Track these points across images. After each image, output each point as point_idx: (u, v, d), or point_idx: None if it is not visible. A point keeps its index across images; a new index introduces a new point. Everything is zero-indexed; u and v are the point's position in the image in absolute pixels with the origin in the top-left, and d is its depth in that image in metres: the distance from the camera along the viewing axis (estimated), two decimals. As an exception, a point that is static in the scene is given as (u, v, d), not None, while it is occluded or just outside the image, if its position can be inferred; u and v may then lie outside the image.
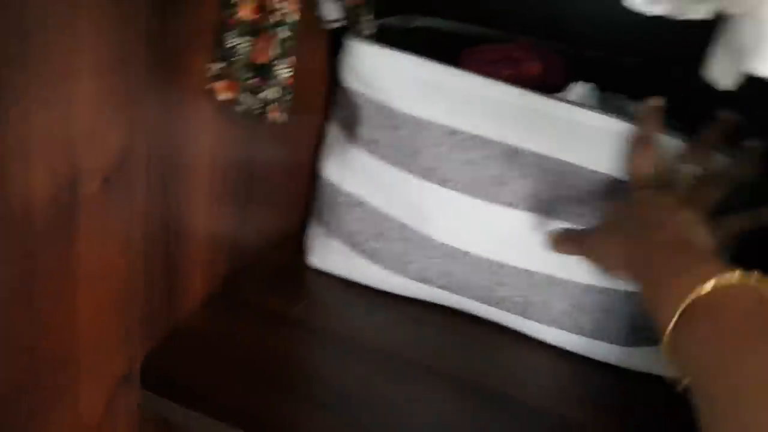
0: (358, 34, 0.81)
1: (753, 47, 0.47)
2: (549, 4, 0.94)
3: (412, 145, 0.80)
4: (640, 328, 0.79)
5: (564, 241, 0.72)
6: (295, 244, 0.96)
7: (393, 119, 0.81)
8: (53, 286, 0.53)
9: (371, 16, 0.81)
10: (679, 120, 0.75)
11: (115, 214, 0.60)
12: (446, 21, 0.99)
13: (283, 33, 0.65)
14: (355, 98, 0.83)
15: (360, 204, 0.87)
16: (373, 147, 0.84)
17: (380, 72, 0.79)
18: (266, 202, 0.91)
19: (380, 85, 0.80)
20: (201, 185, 0.75)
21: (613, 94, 0.82)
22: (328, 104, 0.94)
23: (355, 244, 0.89)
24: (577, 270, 0.78)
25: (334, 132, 0.92)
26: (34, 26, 0.45)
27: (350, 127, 0.87)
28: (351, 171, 0.87)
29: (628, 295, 0.79)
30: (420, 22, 0.99)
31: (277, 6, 0.63)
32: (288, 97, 0.68)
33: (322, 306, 0.89)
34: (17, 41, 0.44)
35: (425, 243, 0.83)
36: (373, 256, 0.88)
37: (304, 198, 0.97)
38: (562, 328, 0.82)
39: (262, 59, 0.66)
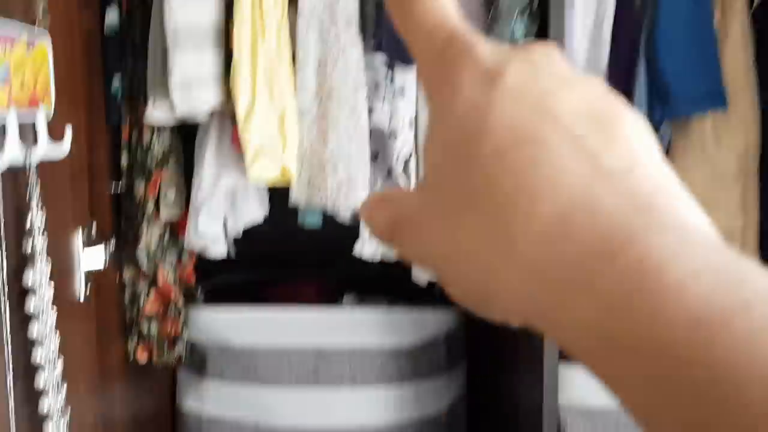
0: (195, 303, 1.21)
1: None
2: (315, 251, 1.43)
3: (251, 366, 1.19)
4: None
5: (376, 207, 0.28)
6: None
7: (232, 353, 1.19)
8: None
9: (200, 291, 1.21)
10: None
11: None
12: (240, 275, 1.42)
13: (182, 324, 1.04)
14: (200, 346, 1.20)
15: (220, 421, 1.21)
16: (221, 376, 1.21)
17: (217, 324, 1.18)
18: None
19: (218, 332, 1.19)
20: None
21: (370, 295, 1.31)
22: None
23: (221, 453, 1.22)
24: (377, 412, 1.20)
25: (184, 376, 1.26)
26: None
27: (199, 368, 1.23)
28: (209, 399, 1.21)
29: (418, 422, 1.22)
30: (219, 280, 1.41)
31: (176, 298, 1.02)
32: (188, 344, 1.07)
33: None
34: None
35: (276, 431, 1.20)
36: (237, 458, 1.21)
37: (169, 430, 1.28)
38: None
39: (175, 333, 1.03)
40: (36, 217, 0.63)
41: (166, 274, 1.04)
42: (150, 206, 0.99)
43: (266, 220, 1.31)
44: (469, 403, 1.33)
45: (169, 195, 1.01)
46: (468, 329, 1.33)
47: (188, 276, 1.16)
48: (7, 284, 0.62)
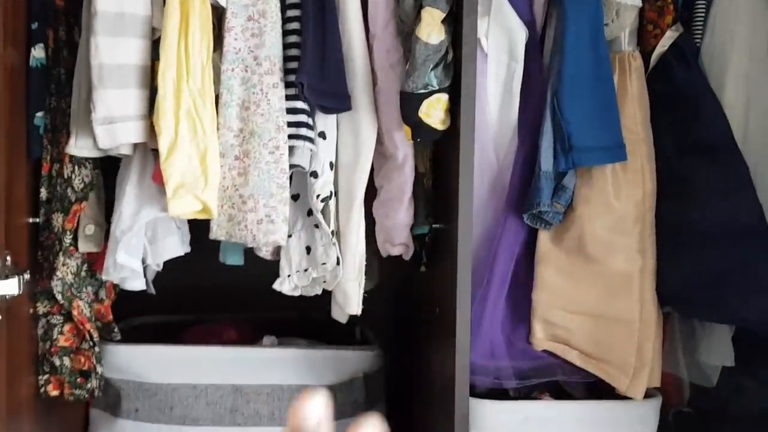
0: (111, 340, 1.19)
1: (343, 303, 1.01)
2: (235, 295, 1.43)
3: (167, 404, 1.18)
4: None
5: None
6: None
7: (148, 390, 1.18)
8: None
9: (116, 328, 1.20)
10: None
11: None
12: (160, 316, 1.41)
13: (95, 358, 1.03)
14: (115, 384, 1.19)
15: (134, 461, 1.19)
16: (135, 414, 1.19)
17: (133, 361, 1.17)
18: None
19: (134, 369, 1.18)
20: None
21: (288, 337, 1.31)
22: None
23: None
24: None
25: (97, 415, 1.24)
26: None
27: (113, 406, 1.21)
28: (121, 439, 1.19)
29: None
30: (138, 321, 1.40)
31: (90, 332, 1.01)
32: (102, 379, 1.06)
33: None
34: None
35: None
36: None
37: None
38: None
39: (88, 367, 1.01)
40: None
41: (82, 309, 1.03)
42: (67, 239, 0.99)
43: (188, 262, 1.31)
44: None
45: (89, 229, 1.01)
46: (387, 370, 1.35)
47: (105, 313, 1.15)
48: None
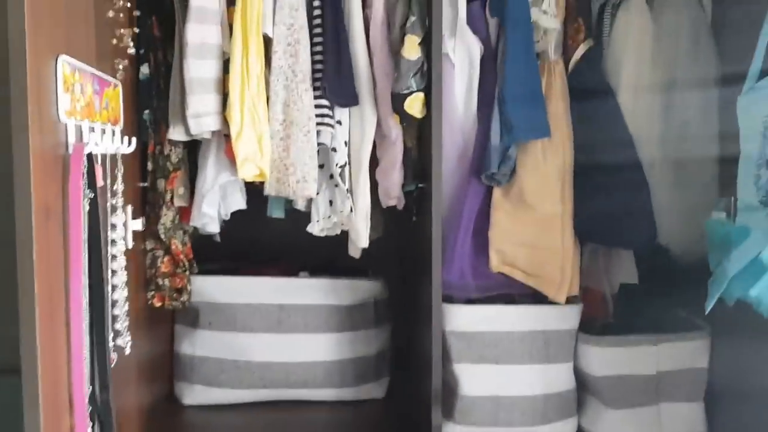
0: (192, 273, 1.66)
1: (356, 239, 1.46)
2: (280, 247, 1.88)
3: (231, 317, 1.65)
4: (360, 375, 1.69)
5: None
6: (171, 397, 1.69)
7: (219, 308, 1.65)
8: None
9: (195, 263, 1.66)
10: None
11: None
12: (223, 262, 1.87)
13: (187, 279, 1.49)
14: (194, 304, 1.66)
15: (208, 359, 1.66)
16: (209, 326, 1.66)
17: (208, 288, 1.64)
18: (159, 378, 1.65)
19: (209, 293, 1.64)
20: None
21: (317, 275, 1.77)
22: (173, 314, 1.73)
23: (210, 382, 1.66)
24: (323, 352, 1.66)
25: (180, 328, 1.71)
26: None
27: (192, 321, 1.68)
28: (199, 343, 1.67)
29: (353, 361, 1.68)
30: (209, 266, 1.86)
31: (183, 260, 1.48)
32: (190, 294, 1.51)
33: (200, 423, 1.63)
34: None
35: (249, 366, 1.65)
36: (221, 384, 1.66)
37: (169, 369, 1.72)
38: (322, 387, 1.69)
39: (180, 285, 1.48)
40: (119, 187, 1.09)
41: (177, 245, 1.50)
42: (167, 197, 1.45)
43: (243, 222, 1.75)
44: (395, 353, 1.80)
45: (180, 190, 1.47)
46: (392, 297, 1.79)
47: (188, 252, 1.62)
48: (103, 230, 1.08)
